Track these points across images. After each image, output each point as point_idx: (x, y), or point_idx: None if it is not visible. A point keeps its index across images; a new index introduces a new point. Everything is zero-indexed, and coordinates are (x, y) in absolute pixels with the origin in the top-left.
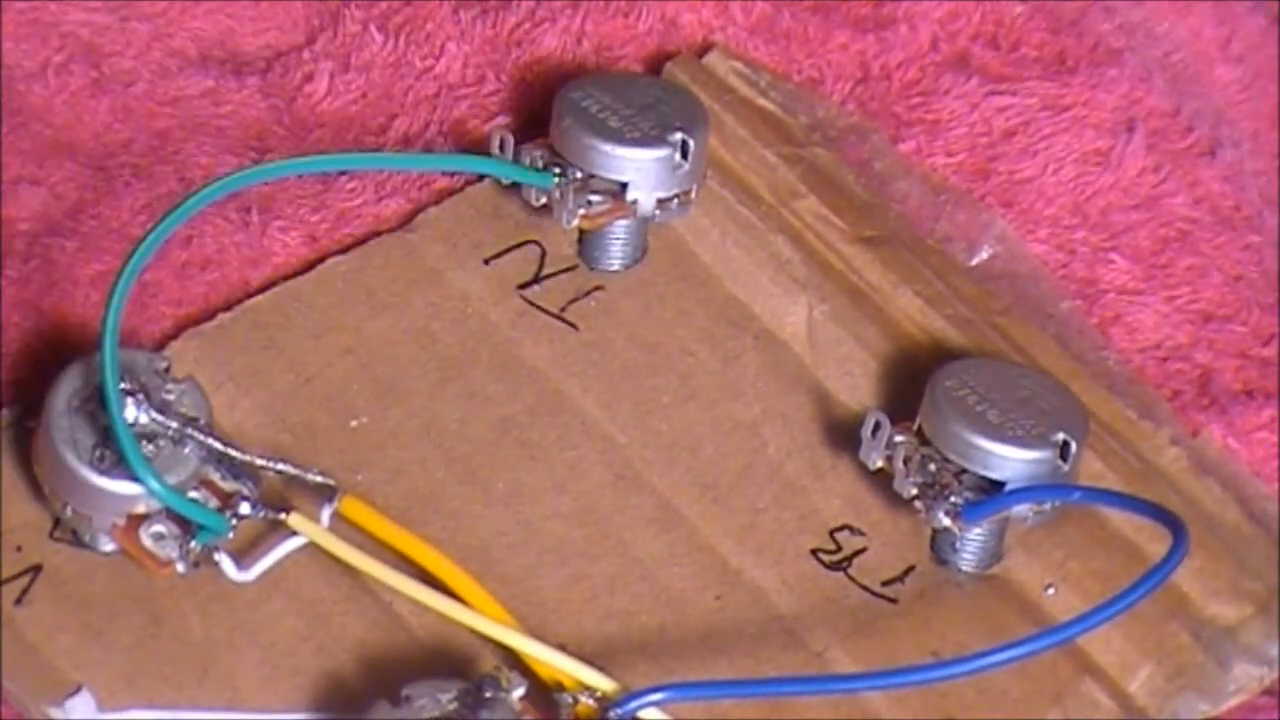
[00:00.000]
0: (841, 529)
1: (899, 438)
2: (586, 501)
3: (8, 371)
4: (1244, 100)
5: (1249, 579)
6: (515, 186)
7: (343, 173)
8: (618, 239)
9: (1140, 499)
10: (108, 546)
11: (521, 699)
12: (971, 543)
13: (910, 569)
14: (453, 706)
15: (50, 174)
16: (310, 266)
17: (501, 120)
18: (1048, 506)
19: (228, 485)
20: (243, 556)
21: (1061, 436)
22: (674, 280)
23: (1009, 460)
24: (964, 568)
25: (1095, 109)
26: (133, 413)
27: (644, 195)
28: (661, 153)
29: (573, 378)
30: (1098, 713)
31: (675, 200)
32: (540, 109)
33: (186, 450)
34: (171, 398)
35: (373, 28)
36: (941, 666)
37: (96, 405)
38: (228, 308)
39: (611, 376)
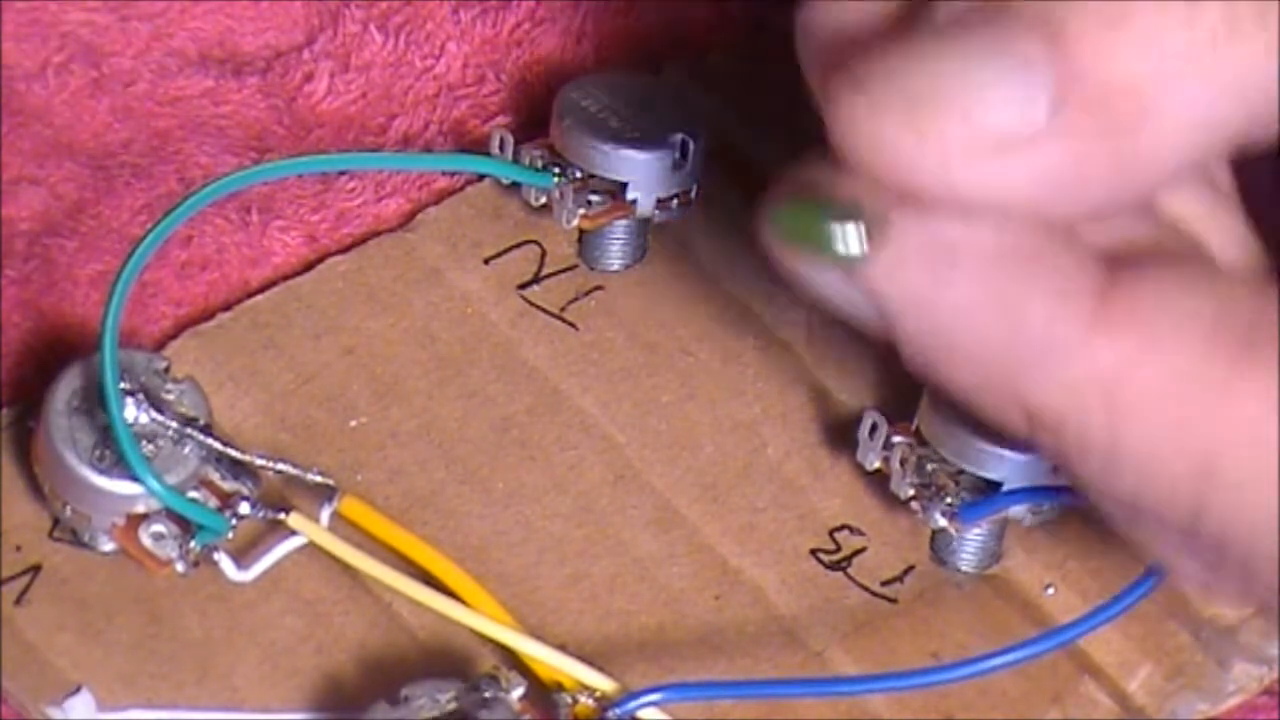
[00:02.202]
0: (841, 529)
1: (897, 438)
2: (586, 501)
3: (8, 371)
4: None
5: None
6: (515, 186)
7: (343, 173)
8: (618, 239)
9: None
10: (107, 546)
11: (521, 699)
12: (970, 543)
13: (910, 569)
14: (452, 706)
15: (50, 174)
16: (310, 266)
17: (501, 120)
18: (1046, 507)
19: (228, 485)
20: (242, 556)
21: None
22: (674, 280)
23: (1006, 461)
24: (963, 568)
25: None
26: (132, 413)
27: (644, 195)
28: (661, 153)
29: (573, 377)
30: (1097, 712)
31: (675, 200)
32: (540, 109)
33: (186, 450)
34: (171, 398)
35: (373, 28)
36: (943, 670)
37: (96, 405)
38: (228, 308)
39: (611, 376)
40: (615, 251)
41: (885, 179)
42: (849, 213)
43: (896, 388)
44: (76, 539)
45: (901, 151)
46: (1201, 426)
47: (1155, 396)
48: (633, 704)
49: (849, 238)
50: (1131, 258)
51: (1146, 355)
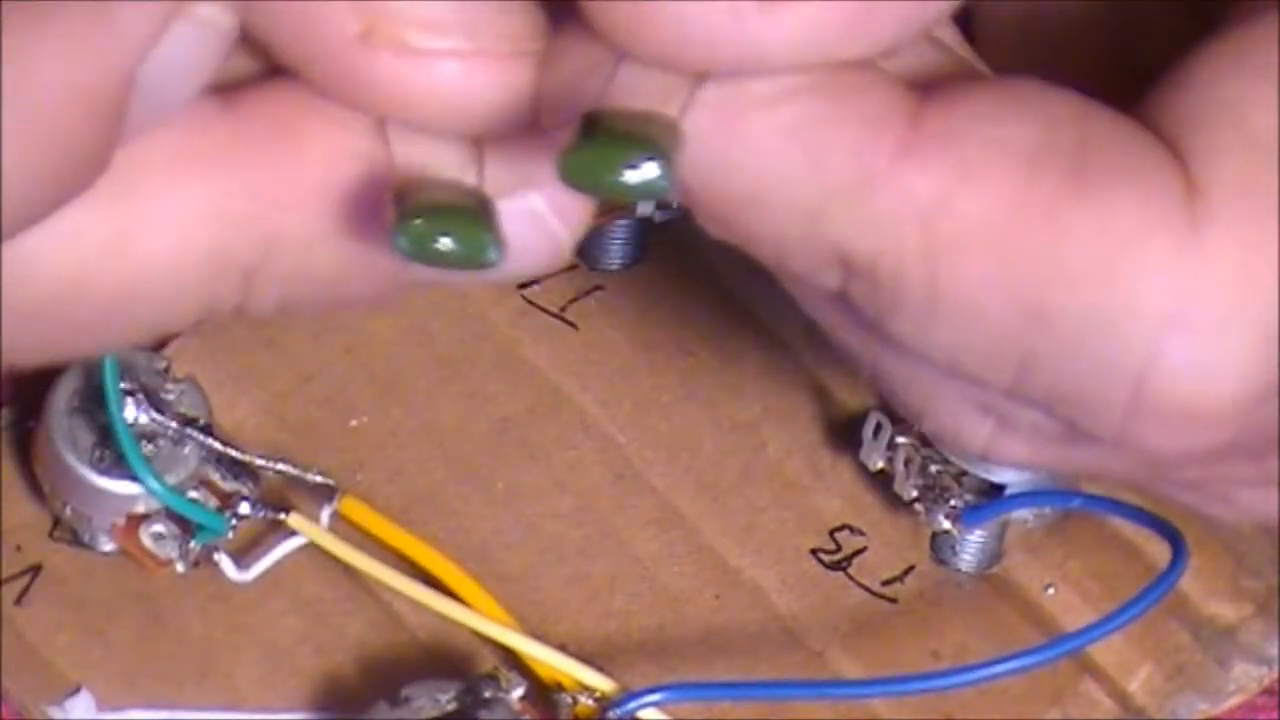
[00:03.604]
0: (841, 529)
1: (900, 439)
2: (586, 501)
3: (8, 371)
4: None
5: (1249, 578)
6: None
7: None
8: (618, 238)
9: (1139, 507)
10: (107, 546)
11: (521, 699)
12: (971, 543)
13: (910, 569)
14: (452, 707)
15: None
16: None
17: None
18: (1049, 510)
19: (227, 485)
20: (242, 556)
21: None
22: (674, 280)
23: None
24: (964, 568)
25: None
26: (133, 412)
27: None
28: None
29: (572, 377)
30: (1097, 712)
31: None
32: None
33: (186, 450)
34: (171, 398)
35: None
36: (944, 675)
37: (96, 405)
38: None
39: (611, 376)
40: (615, 251)
41: (679, 60)
42: (645, 152)
43: None
44: (76, 539)
45: (698, 24)
46: (1028, 265)
47: (975, 231)
48: (633, 704)
49: (648, 173)
50: (940, 81)
51: (964, 184)
